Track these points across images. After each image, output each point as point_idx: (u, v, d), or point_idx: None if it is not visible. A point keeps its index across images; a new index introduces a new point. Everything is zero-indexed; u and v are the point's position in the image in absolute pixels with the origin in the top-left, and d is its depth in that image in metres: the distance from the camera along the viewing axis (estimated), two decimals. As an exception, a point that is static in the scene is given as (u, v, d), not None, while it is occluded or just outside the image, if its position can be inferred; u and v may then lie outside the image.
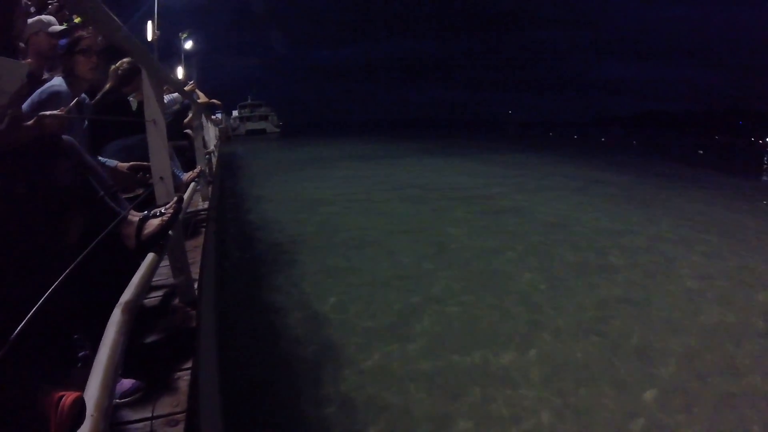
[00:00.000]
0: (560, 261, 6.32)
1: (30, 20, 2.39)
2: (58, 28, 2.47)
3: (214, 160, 8.04)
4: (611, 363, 3.82)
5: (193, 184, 3.48)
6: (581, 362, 3.82)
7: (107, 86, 3.14)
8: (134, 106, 3.33)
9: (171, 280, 2.02)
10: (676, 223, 8.53)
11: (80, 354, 1.25)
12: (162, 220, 1.51)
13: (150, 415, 1.23)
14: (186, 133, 4.84)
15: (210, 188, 4.63)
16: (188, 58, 20.45)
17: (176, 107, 4.66)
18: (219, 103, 7.07)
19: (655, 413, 3.22)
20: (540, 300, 5.00)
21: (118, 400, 1.27)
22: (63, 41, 2.46)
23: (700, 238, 7.56)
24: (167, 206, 1.58)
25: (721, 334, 4.32)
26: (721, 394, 3.44)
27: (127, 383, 1.30)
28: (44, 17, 2.51)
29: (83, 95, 2.57)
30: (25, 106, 2.04)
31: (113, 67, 3.16)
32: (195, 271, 2.24)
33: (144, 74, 1.91)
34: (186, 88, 4.62)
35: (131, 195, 2.59)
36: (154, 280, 1.72)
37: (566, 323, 4.46)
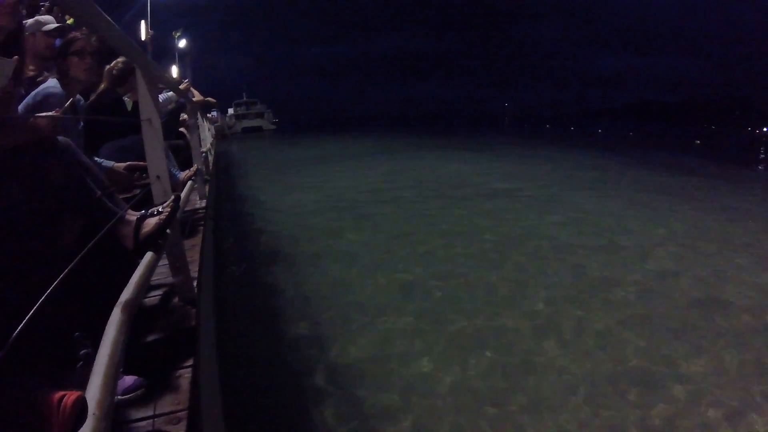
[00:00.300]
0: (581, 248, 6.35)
1: (27, 22, 2.38)
2: (53, 25, 2.46)
3: (210, 158, 8.01)
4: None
5: (190, 182, 3.47)
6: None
7: (102, 87, 3.13)
8: (129, 106, 3.32)
9: (170, 279, 2.02)
10: (688, 222, 8.17)
11: (82, 352, 1.25)
12: (159, 219, 1.51)
13: (152, 413, 1.24)
14: (181, 132, 4.83)
15: (207, 186, 4.62)
16: (182, 57, 20.36)
17: (171, 106, 4.65)
18: (214, 101, 6.99)
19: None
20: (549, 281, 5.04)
21: (120, 397, 1.28)
22: (57, 42, 2.45)
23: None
24: (164, 205, 1.58)
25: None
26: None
27: (129, 380, 1.31)
28: (41, 17, 2.49)
29: (78, 96, 2.56)
30: (20, 108, 2.04)
31: (107, 67, 3.15)
32: (194, 270, 2.24)
33: (138, 73, 1.90)
34: (181, 87, 4.60)
35: (129, 195, 2.59)
36: (153, 279, 1.72)
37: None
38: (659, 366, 3.63)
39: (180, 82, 4.49)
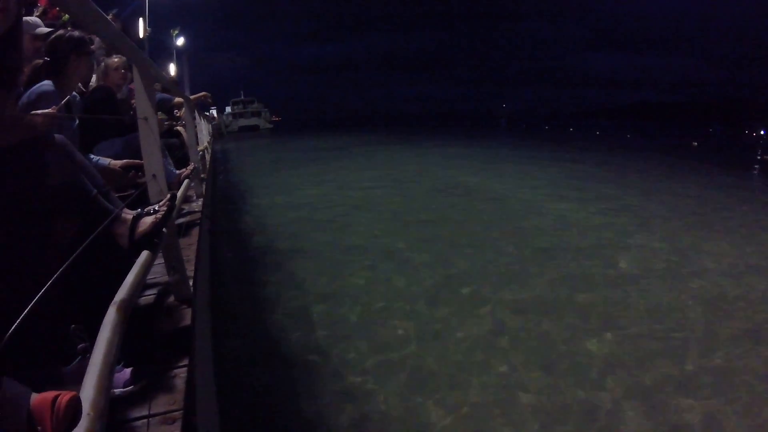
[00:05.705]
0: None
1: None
2: (44, 30, 2.47)
3: (207, 156, 8.01)
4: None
5: (186, 181, 3.47)
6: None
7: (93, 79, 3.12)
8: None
9: (165, 278, 2.02)
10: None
11: (79, 346, 1.25)
12: (155, 218, 1.51)
13: (147, 413, 1.23)
14: (177, 130, 4.82)
15: (203, 185, 4.61)
16: (180, 55, 20.36)
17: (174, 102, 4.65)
18: (208, 94, 6.61)
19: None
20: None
21: (122, 389, 1.28)
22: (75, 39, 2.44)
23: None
24: (160, 204, 1.58)
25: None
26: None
27: (128, 372, 1.31)
28: (29, 19, 2.51)
29: (74, 93, 2.56)
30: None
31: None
32: (189, 269, 2.24)
33: (135, 72, 1.89)
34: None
35: (125, 193, 2.58)
36: (148, 278, 1.72)
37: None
38: None
39: (175, 81, 4.49)
